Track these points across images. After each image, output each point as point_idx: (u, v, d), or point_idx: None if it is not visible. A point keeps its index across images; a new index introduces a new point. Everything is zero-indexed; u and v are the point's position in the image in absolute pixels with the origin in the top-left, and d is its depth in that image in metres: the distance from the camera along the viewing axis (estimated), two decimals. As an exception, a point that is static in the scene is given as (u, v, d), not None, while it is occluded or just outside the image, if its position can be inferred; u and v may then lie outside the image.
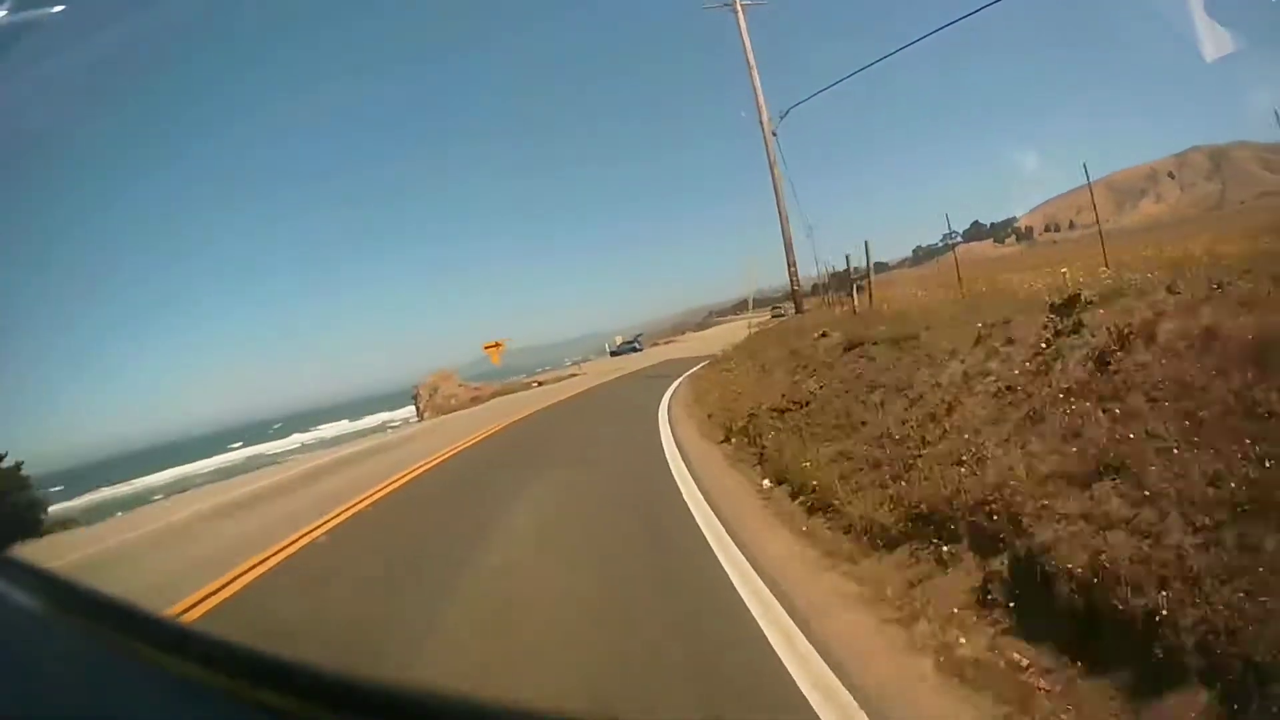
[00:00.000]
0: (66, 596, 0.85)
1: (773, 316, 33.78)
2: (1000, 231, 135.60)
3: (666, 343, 52.49)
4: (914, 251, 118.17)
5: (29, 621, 0.80)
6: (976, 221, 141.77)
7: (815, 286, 22.61)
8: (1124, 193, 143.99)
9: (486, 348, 23.93)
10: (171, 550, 6.82)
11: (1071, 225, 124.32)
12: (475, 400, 24.97)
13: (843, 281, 15.22)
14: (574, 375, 28.94)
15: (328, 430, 62.49)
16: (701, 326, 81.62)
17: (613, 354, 45.06)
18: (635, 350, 44.04)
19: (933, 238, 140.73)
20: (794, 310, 19.25)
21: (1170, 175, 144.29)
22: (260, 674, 0.72)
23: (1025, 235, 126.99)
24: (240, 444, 71.00)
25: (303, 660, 0.70)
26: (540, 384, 27.06)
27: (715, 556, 4.03)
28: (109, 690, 0.73)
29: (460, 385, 28.38)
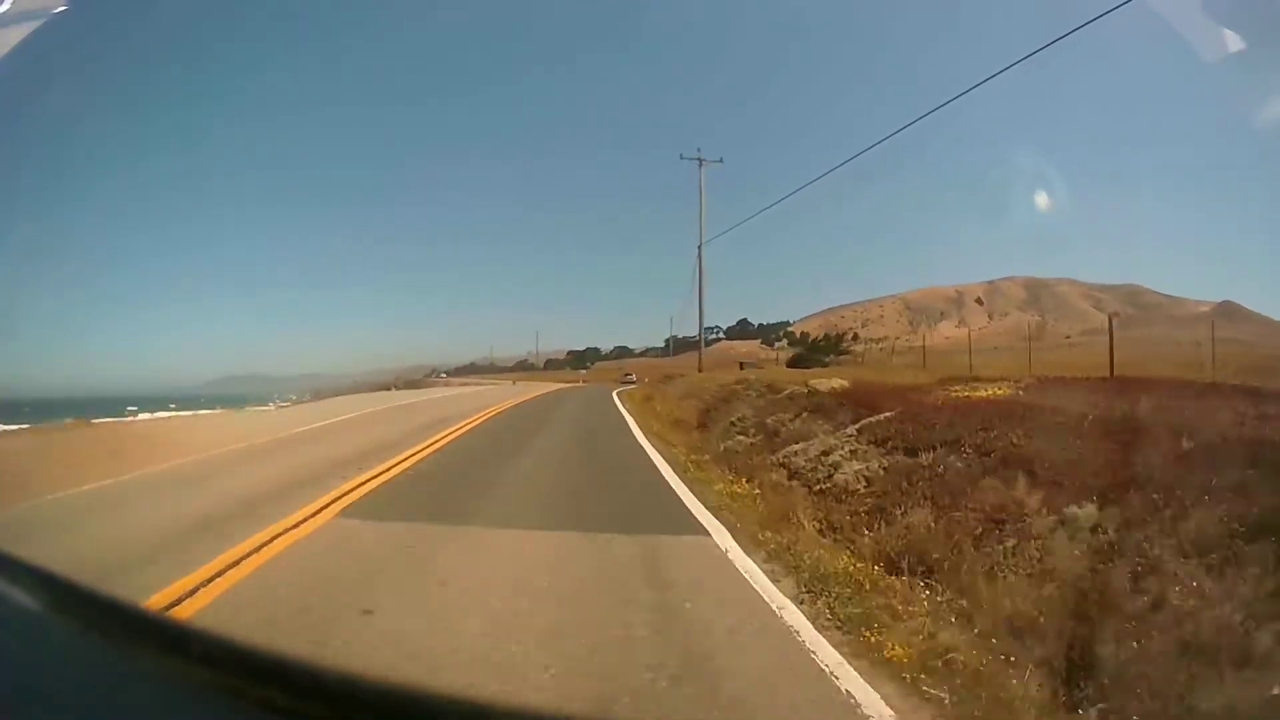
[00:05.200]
0: (66, 596, 0.85)
1: (622, 381, 52.01)
2: (771, 333, 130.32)
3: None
4: (665, 342, 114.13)
5: (29, 621, 0.80)
6: (744, 320, 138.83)
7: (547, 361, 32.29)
8: (920, 311, 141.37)
9: None
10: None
11: (855, 337, 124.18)
12: None
13: (580, 359, 23.48)
14: None
15: None
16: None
17: None
18: None
19: (694, 330, 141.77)
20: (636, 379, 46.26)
21: (979, 301, 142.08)
22: (260, 673, 0.73)
23: (799, 341, 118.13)
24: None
25: (303, 660, 0.72)
26: None
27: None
28: (109, 690, 0.72)
29: None
